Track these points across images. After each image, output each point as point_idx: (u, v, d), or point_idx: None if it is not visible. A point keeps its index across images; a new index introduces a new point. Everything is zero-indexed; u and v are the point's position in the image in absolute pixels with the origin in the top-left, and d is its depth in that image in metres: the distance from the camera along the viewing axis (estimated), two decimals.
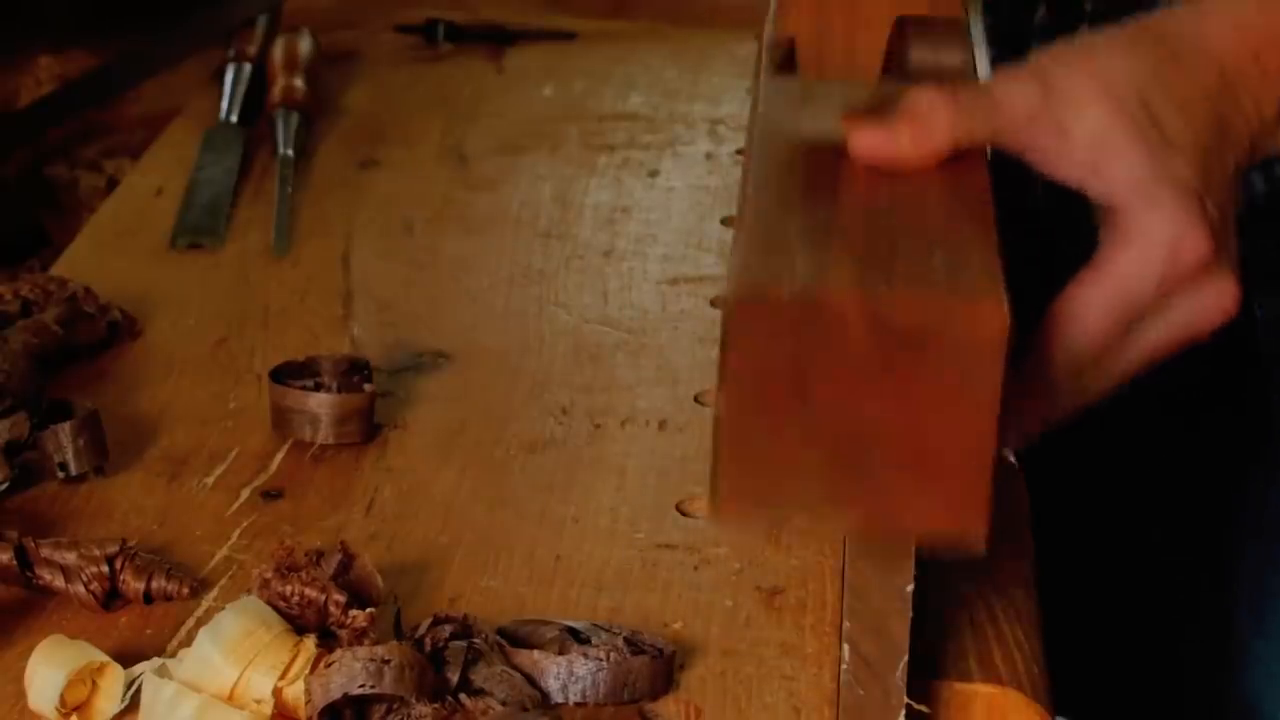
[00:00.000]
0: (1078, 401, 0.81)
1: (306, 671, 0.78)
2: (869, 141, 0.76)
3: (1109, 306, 0.78)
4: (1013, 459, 1.01)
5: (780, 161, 0.77)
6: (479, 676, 0.79)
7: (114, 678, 0.80)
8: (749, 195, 0.75)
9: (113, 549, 0.87)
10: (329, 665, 0.77)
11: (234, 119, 1.37)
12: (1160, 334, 0.80)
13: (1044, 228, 1.15)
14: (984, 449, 0.65)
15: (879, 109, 0.77)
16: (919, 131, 0.76)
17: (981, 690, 0.85)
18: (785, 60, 0.88)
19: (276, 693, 0.78)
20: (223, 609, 0.81)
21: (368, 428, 1.00)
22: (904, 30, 0.85)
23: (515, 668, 0.80)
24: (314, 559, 0.83)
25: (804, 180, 0.75)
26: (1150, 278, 0.78)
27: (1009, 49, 1.11)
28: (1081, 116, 0.78)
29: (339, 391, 1.00)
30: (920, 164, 0.76)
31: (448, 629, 0.81)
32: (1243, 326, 0.84)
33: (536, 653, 0.81)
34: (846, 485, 0.66)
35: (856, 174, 0.75)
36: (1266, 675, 1.22)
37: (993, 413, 0.65)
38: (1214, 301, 0.80)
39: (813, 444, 0.65)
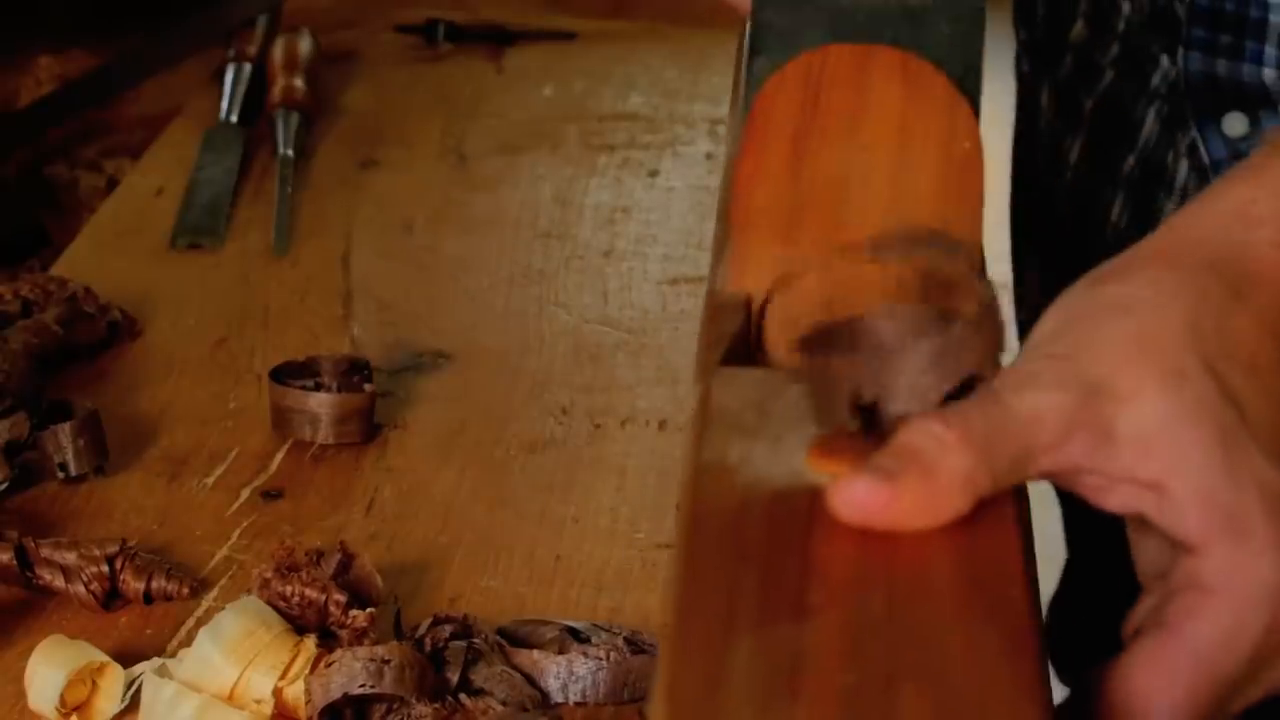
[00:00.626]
0: None
1: (306, 671, 0.78)
2: (857, 499, 0.55)
3: (1193, 687, 0.57)
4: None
5: (723, 526, 0.56)
6: (479, 676, 0.79)
7: (114, 678, 0.80)
8: (679, 586, 0.54)
9: (113, 549, 0.87)
10: (329, 665, 0.77)
11: (234, 119, 1.37)
12: (1249, 699, 0.59)
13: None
14: None
15: (869, 437, 0.58)
16: (927, 484, 0.56)
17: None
18: (736, 338, 0.66)
19: (276, 693, 0.78)
20: (223, 609, 0.81)
21: (368, 428, 1.00)
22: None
23: (515, 668, 0.80)
24: (314, 559, 0.83)
25: (758, 562, 0.54)
26: (1247, 645, 0.57)
27: (1044, 65, 1.10)
28: (1133, 411, 0.58)
29: (339, 391, 1.00)
30: (930, 528, 0.56)
31: (448, 629, 0.81)
32: None
33: (536, 653, 0.81)
34: None
35: (834, 553, 0.55)
36: None
37: None
38: None
39: None
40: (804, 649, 0.51)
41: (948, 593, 0.53)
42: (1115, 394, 0.57)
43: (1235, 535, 0.57)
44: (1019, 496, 0.58)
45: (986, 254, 0.71)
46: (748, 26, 0.74)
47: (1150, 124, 1.01)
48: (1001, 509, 0.57)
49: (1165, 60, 0.98)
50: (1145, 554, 0.61)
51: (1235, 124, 0.96)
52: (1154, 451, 0.57)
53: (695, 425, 0.61)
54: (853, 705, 0.49)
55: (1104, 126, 1.04)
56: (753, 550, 0.55)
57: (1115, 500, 0.59)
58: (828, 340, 0.61)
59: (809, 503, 0.56)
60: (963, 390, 0.59)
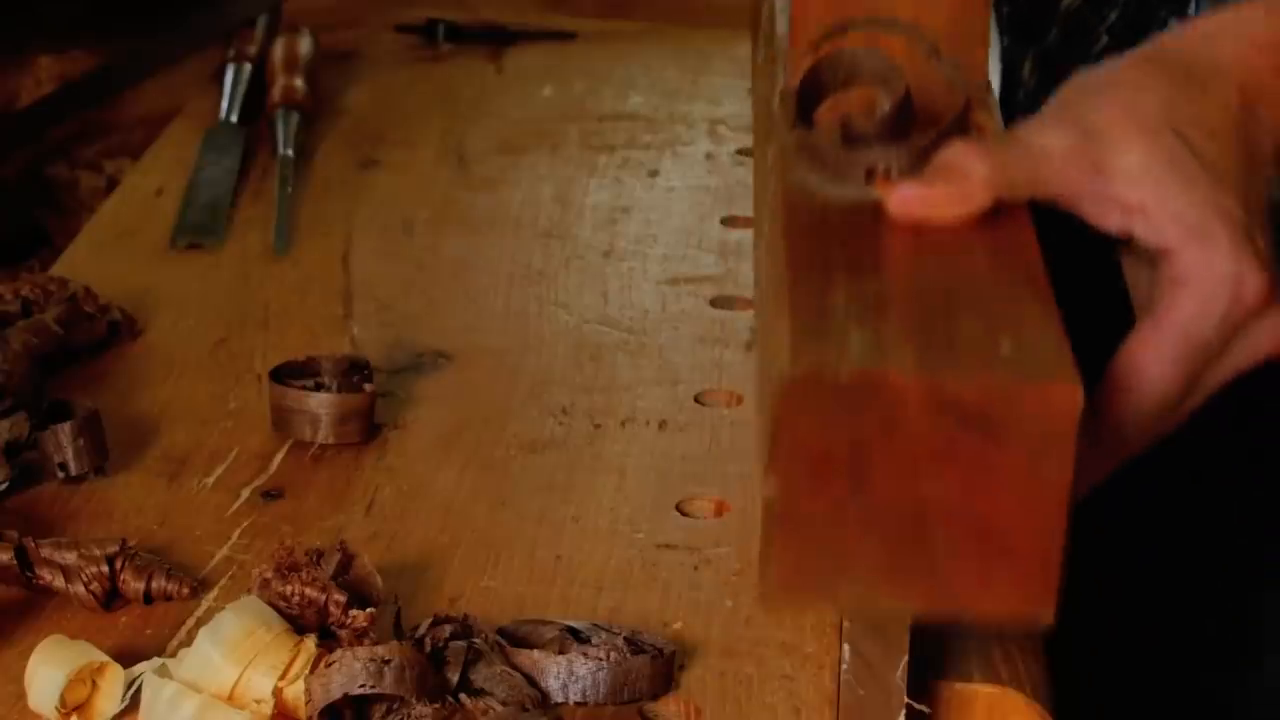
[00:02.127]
0: (1141, 449, 0.79)
1: (306, 671, 0.78)
2: (907, 200, 0.74)
3: (1176, 354, 0.76)
4: None
5: (814, 230, 0.72)
6: (479, 676, 0.79)
7: (114, 678, 0.80)
8: (787, 270, 0.70)
9: (113, 549, 0.87)
10: (329, 665, 0.77)
11: (234, 119, 1.37)
12: (1222, 373, 0.78)
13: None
14: (1055, 531, 0.63)
15: (914, 169, 0.74)
16: (958, 187, 0.74)
17: (981, 690, 0.85)
18: (803, 112, 0.80)
19: (276, 693, 0.78)
20: (223, 609, 0.81)
21: (368, 428, 1.00)
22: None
23: (515, 668, 0.80)
24: (314, 559, 0.83)
25: (843, 249, 0.71)
26: (1214, 320, 0.76)
27: (1027, 37, 1.11)
28: (1121, 155, 0.76)
29: (339, 391, 1.00)
30: (961, 221, 0.73)
31: (448, 629, 0.81)
32: None
33: (536, 653, 0.81)
34: (906, 570, 0.64)
35: (895, 239, 0.72)
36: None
37: (1065, 494, 0.63)
38: (1272, 335, 0.78)
39: (871, 528, 0.63)
40: (884, 292, 0.68)
41: (981, 257, 0.71)
42: (1108, 140, 0.76)
43: (1201, 240, 0.76)
44: (1028, 210, 0.74)
45: None
46: None
47: None
48: (1018, 212, 0.74)
49: (1174, 23, 0.98)
50: (1137, 281, 0.80)
51: None
52: (1138, 184, 0.76)
53: (779, 163, 0.77)
54: (924, 322, 0.66)
55: None
56: (837, 235, 0.71)
57: (1108, 219, 0.77)
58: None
59: (874, 212, 0.73)
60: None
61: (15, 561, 0.87)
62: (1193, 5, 0.96)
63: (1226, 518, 1.24)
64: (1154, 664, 1.36)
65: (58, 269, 1.16)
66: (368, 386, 1.00)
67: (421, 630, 0.81)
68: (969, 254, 0.71)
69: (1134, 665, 1.37)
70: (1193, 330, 0.76)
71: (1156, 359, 0.76)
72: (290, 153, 1.31)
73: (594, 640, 0.82)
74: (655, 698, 0.81)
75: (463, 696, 0.78)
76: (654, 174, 1.32)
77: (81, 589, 0.86)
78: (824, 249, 0.71)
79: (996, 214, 0.73)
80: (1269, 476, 1.21)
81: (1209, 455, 1.24)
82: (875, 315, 0.66)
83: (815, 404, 0.62)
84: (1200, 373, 0.77)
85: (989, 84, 0.82)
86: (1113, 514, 1.37)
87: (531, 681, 0.80)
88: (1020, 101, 1.13)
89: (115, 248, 1.21)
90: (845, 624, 0.77)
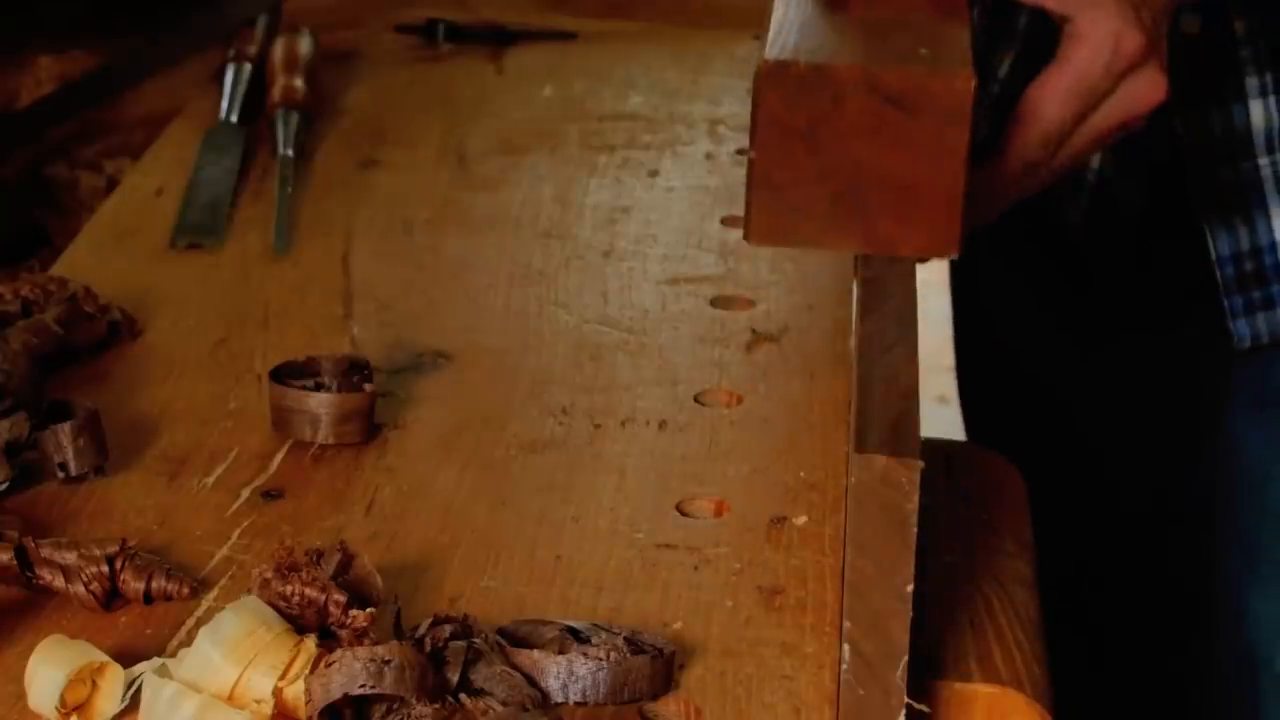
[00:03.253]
0: (1044, 177, 0.99)
1: (306, 671, 0.78)
2: None
3: (1069, 91, 0.96)
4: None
5: None
6: (479, 676, 0.79)
7: (114, 678, 0.80)
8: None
9: (113, 549, 0.87)
10: (329, 665, 0.77)
11: (234, 119, 1.37)
12: (1107, 113, 0.98)
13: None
14: (955, 185, 0.81)
15: None
16: None
17: (981, 690, 0.85)
18: None
19: (276, 693, 0.78)
20: (223, 609, 0.81)
21: (368, 428, 1.00)
22: None
23: (515, 668, 0.80)
24: (314, 559, 0.83)
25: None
26: (1099, 65, 0.96)
27: (998, 15, 1.17)
28: None
29: (339, 391, 1.00)
30: None
31: (448, 629, 0.81)
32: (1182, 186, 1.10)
33: (536, 653, 0.81)
34: (848, 215, 0.82)
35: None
36: (1267, 627, 1.24)
37: (963, 158, 0.81)
38: (1148, 87, 0.98)
39: (822, 183, 0.82)
40: (844, 16, 0.88)
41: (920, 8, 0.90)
42: None
43: (1096, 8, 0.96)
44: None
45: None
46: None
47: None
48: None
49: None
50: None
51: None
52: None
53: None
54: (867, 33, 0.86)
55: (1040, 39, 1.09)
56: None
57: None
58: None
59: None
60: None
61: (15, 561, 0.87)
62: None
63: (1222, 511, 1.26)
64: (1153, 665, 1.36)
65: (58, 269, 1.16)
66: (368, 386, 1.00)
67: (421, 630, 0.81)
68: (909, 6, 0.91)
69: (1133, 664, 1.37)
70: (1081, 72, 0.97)
71: (1055, 91, 0.97)
72: (290, 153, 1.31)
73: (594, 640, 0.82)
74: (655, 698, 0.81)
75: (463, 696, 0.78)
76: (654, 174, 1.32)
77: (81, 589, 0.86)
78: None
79: None
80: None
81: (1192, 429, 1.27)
82: (835, 30, 0.87)
83: (783, 88, 0.81)
84: (1087, 113, 0.97)
85: None
86: (1111, 512, 1.38)
87: (531, 681, 0.80)
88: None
89: (115, 248, 1.21)
90: (845, 624, 0.77)
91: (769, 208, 0.83)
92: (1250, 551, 1.27)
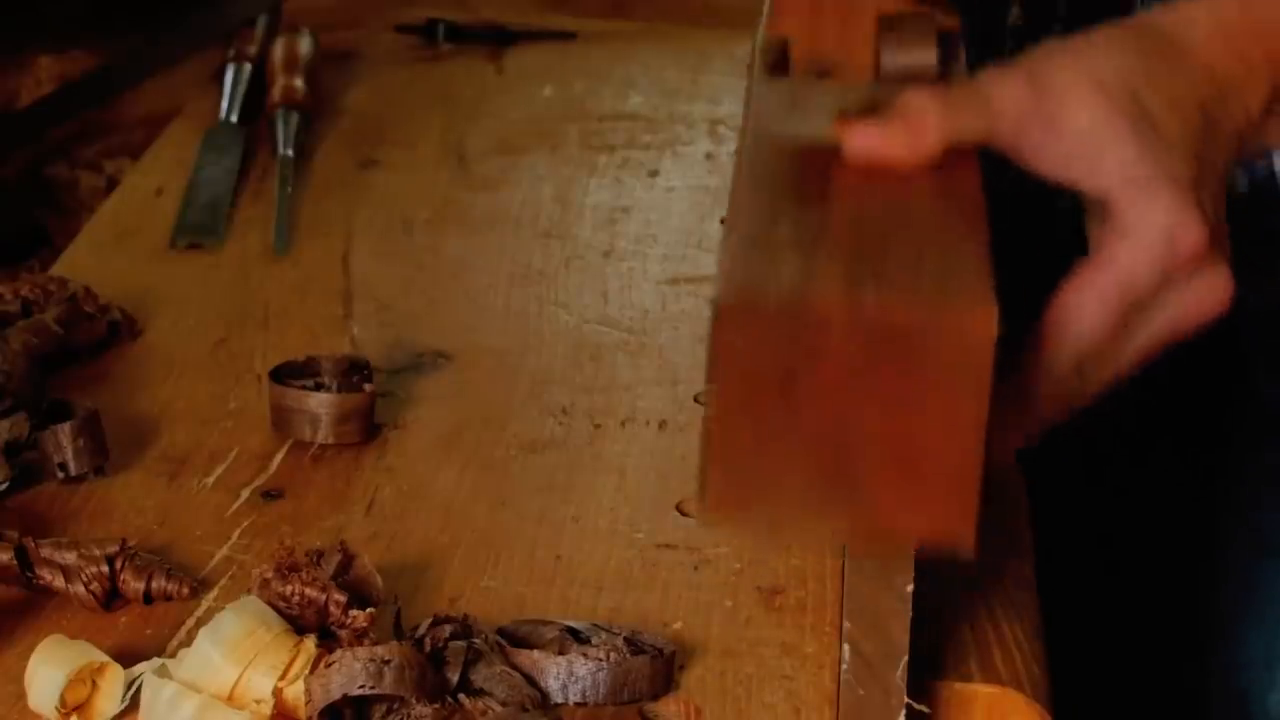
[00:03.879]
0: (1077, 399, 0.81)
1: (306, 671, 0.78)
2: (861, 141, 0.77)
3: (1109, 298, 0.79)
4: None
5: (772, 164, 0.77)
6: (479, 676, 0.79)
7: (114, 678, 0.80)
8: (739, 197, 0.74)
9: (113, 549, 0.87)
10: (329, 665, 0.77)
11: (234, 119, 1.37)
12: (1157, 327, 0.80)
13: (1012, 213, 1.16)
14: (972, 455, 0.64)
15: (872, 111, 0.77)
16: (911, 131, 0.77)
17: (981, 690, 0.85)
18: (778, 62, 0.87)
19: (276, 693, 0.78)
20: (223, 609, 0.81)
21: (368, 428, 1.00)
22: (881, 29, 0.86)
23: (515, 668, 0.80)
24: (314, 559, 0.83)
25: (795, 183, 0.75)
26: (1149, 268, 0.78)
27: (981, 51, 1.12)
28: (1073, 112, 0.79)
29: (339, 391, 1.00)
30: (913, 163, 0.76)
31: (448, 629, 0.81)
32: (1230, 319, 0.85)
33: (536, 653, 0.81)
34: (833, 491, 0.66)
35: (848, 177, 0.75)
36: (1259, 664, 1.23)
37: (981, 418, 0.64)
38: (1209, 293, 0.80)
39: (799, 448, 0.65)
40: (826, 221, 0.70)
41: (925, 196, 0.74)
42: (1064, 98, 0.78)
43: (1144, 194, 0.78)
44: (977, 155, 0.77)
45: None
46: None
47: None
48: (967, 156, 0.77)
49: None
50: (1092, 236, 0.81)
51: None
52: (1087, 139, 0.78)
53: (748, 109, 0.82)
54: (859, 248, 0.69)
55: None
56: (790, 173, 0.75)
57: (1057, 169, 0.79)
58: None
59: (831, 152, 0.76)
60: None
61: (15, 561, 0.87)
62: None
63: (1220, 514, 1.25)
64: (1152, 664, 1.36)
65: (58, 269, 1.16)
66: (368, 386, 1.00)
67: (421, 630, 0.81)
68: (913, 192, 0.74)
69: (1133, 663, 1.37)
70: (1128, 276, 0.78)
71: (1092, 299, 0.78)
72: (290, 153, 1.31)
73: (594, 640, 0.82)
74: (655, 698, 0.81)
75: (462, 696, 0.78)
76: (654, 174, 1.32)
77: (81, 589, 0.86)
78: (777, 182, 0.75)
79: (948, 158, 0.76)
80: (1259, 472, 1.22)
81: (1203, 454, 1.25)
82: (813, 244, 0.68)
83: (748, 327, 0.64)
84: (1131, 322, 0.79)
85: (960, 32, 0.88)
86: (1111, 513, 1.38)
87: (531, 681, 0.80)
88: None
89: (115, 248, 1.21)
90: (845, 624, 0.77)
91: (729, 480, 0.66)
92: (1250, 589, 1.25)
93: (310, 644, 0.80)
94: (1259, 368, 1.12)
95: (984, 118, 0.78)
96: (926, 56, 0.84)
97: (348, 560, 0.84)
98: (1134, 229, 0.78)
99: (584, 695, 0.80)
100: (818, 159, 0.76)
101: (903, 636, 0.76)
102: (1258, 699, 1.24)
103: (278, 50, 1.42)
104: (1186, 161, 0.79)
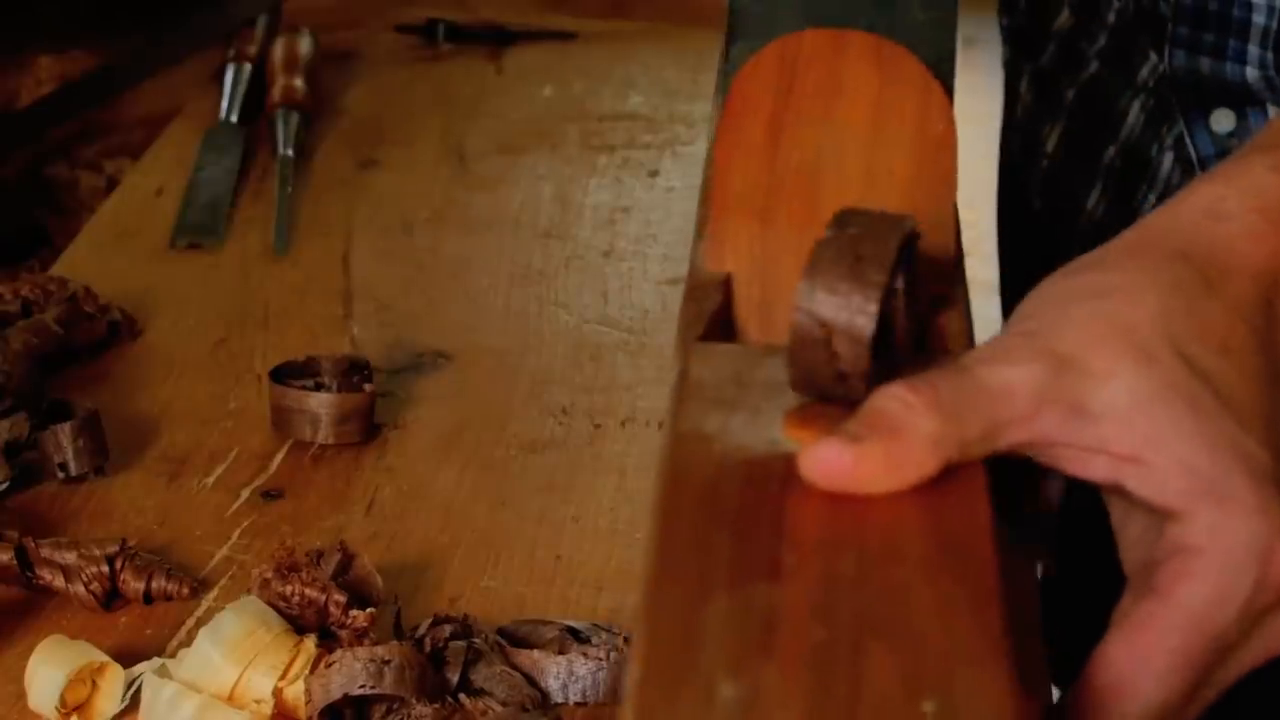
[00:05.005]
0: None
1: (306, 671, 0.78)
2: (824, 462, 0.55)
3: (1182, 651, 0.57)
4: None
5: (699, 492, 0.55)
6: (479, 676, 0.79)
7: (114, 678, 0.80)
8: (654, 548, 0.54)
9: (113, 549, 0.87)
10: (329, 665, 0.77)
11: (234, 119, 1.37)
12: (1242, 666, 0.60)
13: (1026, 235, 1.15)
14: None
15: (844, 407, 0.58)
16: (894, 447, 0.55)
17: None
18: (715, 316, 0.68)
19: (276, 693, 0.78)
20: (223, 609, 0.81)
21: (368, 428, 1.00)
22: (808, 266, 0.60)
23: (515, 668, 0.80)
24: (314, 559, 0.83)
25: (732, 525, 0.54)
26: (1235, 605, 0.57)
27: (1025, 52, 1.11)
28: (1105, 388, 0.58)
29: (339, 391, 1.00)
30: (897, 489, 0.56)
31: (448, 629, 0.81)
32: None
33: (536, 653, 0.81)
34: None
35: (804, 514, 0.55)
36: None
37: None
38: None
39: None
40: (776, 607, 0.51)
41: (917, 555, 0.53)
42: (1087, 370, 0.58)
43: (1218, 500, 0.57)
44: (982, 474, 0.57)
45: (978, 256, 0.71)
46: (728, 14, 0.75)
47: (1135, 116, 1.01)
48: (971, 477, 0.56)
49: (1153, 55, 0.98)
50: (1129, 536, 0.62)
51: (1223, 120, 0.98)
52: (1130, 426, 0.58)
53: (674, 397, 0.61)
54: (822, 663, 0.49)
55: (1085, 115, 1.05)
56: (727, 514, 0.54)
57: (1093, 471, 0.59)
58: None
59: (784, 469, 0.56)
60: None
61: (15, 561, 0.87)
62: (1168, 47, 0.97)
63: None
64: None
65: (58, 269, 1.16)
66: (368, 386, 1.00)
67: (421, 630, 0.81)
68: (897, 545, 0.54)
69: None
70: (1211, 614, 0.57)
71: (1156, 656, 0.57)
72: (290, 153, 1.31)
73: (594, 640, 0.82)
74: None
75: (463, 696, 0.78)
76: (654, 174, 1.32)
77: (81, 589, 0.86)
78: (705, 533, 0.54)
79: (945, 477, 0.56)
80: None
81: None
82: (756, 653, 0.49)
83: None
84: (1213, 673, 0.59)
85: (960, 258, 0.70)
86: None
87: (531, 681, 0.80)
88: (1019, 118, 1.13)
89: (115, 248, 1.21)
90: None
91: None
92: None
93: (310, 644, 0.80)
94: None
95: (988, 416, 0.57)
96: (861, 313, 0.58)
97: (348, 560, 0.84)
98: (1211, 550, 0.57)
99: (584, 695, 0.80)
100: (765, 488, 0.55)
101: None
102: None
103: (278, 50, 1.42)
104: (1258, 433, 0.59)
